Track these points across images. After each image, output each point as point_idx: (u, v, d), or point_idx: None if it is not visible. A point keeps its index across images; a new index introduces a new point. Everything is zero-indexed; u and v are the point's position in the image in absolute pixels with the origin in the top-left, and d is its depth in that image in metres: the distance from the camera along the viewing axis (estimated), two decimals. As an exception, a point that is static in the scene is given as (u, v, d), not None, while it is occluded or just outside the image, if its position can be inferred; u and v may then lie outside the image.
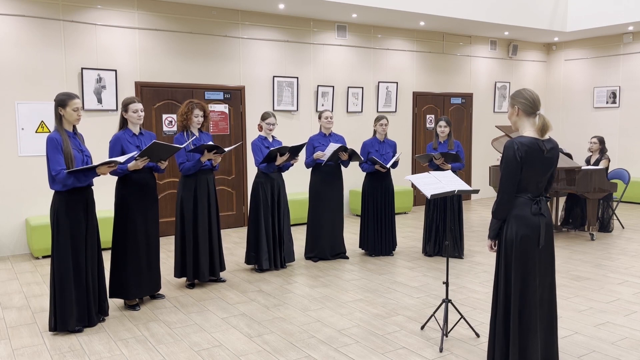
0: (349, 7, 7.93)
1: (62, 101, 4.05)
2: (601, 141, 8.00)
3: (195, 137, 5.17)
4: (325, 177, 6.19)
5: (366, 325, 4.31)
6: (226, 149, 5.17)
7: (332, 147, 5.94)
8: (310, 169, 6.28)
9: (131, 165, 4.42)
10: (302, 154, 6.34)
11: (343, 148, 5.95)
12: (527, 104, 3.05)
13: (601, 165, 7.74)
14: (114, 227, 4.67)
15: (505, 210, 3.06)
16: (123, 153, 4.50)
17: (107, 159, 4.11)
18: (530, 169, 3.00)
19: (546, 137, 3.06)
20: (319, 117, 6.23)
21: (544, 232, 3.05)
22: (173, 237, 7.67)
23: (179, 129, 5.23)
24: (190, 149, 5.02)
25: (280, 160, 5.64)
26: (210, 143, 5.04)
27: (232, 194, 8.31)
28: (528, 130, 3.05)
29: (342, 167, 6.32)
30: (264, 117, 5.79)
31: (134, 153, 4.38)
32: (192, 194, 5.18)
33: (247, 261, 5.88)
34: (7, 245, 6.71)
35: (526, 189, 3.05)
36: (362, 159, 6.20)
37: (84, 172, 4.02)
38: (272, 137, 5.88)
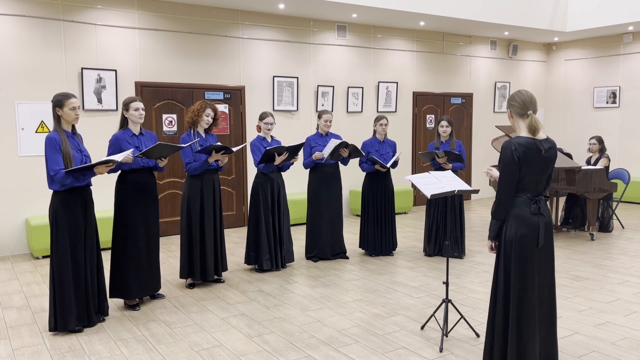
0: (349, 7, 7.93)
1: (58, 102, 4.05)
2: (600, 141, 8.01)
3: (201, 137, 5.19)
4: (324, 177, 6.18)
5: (366, 325, 4.30)
6: (234, 149, 5.19)
7: (333, 142, 5.89)
8: (309, 169, 6.28)
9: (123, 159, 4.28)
10: (301, 155, 6.33)
11: (344, 144, 5.94)
12: (518, 106, 3.11)
13: (601, 164, 7.74)
14: (114, 227, 4.67)
15: (504, 210, 3.08)
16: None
17: (105, 158, 4.10)
18: (528, 168, 3.02)
19: (544, 136, 3.08)
20: (319, 117, 6.21)
21: (543, 232, 3.05)
22: (173, 237, 7.71)
23: (187, 125, 5.24)
24: (198, 150, 5.02)
25: (278, 160, 5.62)
26: (219, 144, 5.04)
27: (232, 194, 8.31)
28: (523, 131, 3.10)
29: (341, 167, 6.30)
30: (262, 117, 5.78)
31: (131, 151, 4.36)
32: (199, 193, 5.18)
33: (247, 261, 5.87)
34: (7, 245, 6.72)
35: (525, 189, 3.07)
36: (363, 154, 6.19)
37: (82, 171, 4.02)
38: (271, 137, 5.88)
